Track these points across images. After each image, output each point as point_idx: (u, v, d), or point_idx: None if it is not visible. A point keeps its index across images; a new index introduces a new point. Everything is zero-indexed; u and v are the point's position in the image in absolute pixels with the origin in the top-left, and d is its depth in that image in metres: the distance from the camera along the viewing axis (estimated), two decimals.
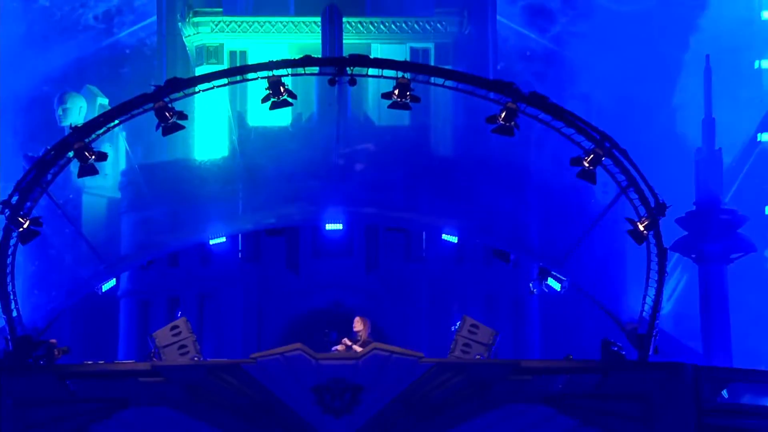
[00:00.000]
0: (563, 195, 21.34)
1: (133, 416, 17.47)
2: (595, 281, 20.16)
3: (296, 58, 18.59)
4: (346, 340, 18.41)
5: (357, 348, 18.17)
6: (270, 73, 18.22)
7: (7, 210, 17.78)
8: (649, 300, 18.52)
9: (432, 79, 18.55)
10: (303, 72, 18.46)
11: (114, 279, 21.60)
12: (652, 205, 18.35)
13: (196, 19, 25.73)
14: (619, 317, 19.11)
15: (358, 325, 18.52)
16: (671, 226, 24.48)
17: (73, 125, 18.29)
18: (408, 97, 18.46)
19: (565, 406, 17.67)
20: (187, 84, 18.24)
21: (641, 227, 18.33)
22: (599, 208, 20.08)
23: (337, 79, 18.41)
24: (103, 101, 24.51)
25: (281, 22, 25.72)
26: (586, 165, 18.38)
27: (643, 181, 18.35)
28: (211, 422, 17.47)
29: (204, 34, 25.87)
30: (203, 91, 18.40)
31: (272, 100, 18.42)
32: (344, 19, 24.53)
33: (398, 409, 17.48)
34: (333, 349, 18.39)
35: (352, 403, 17.30)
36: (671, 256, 19.09)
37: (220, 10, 25.74)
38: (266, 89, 18.42)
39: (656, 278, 18.47)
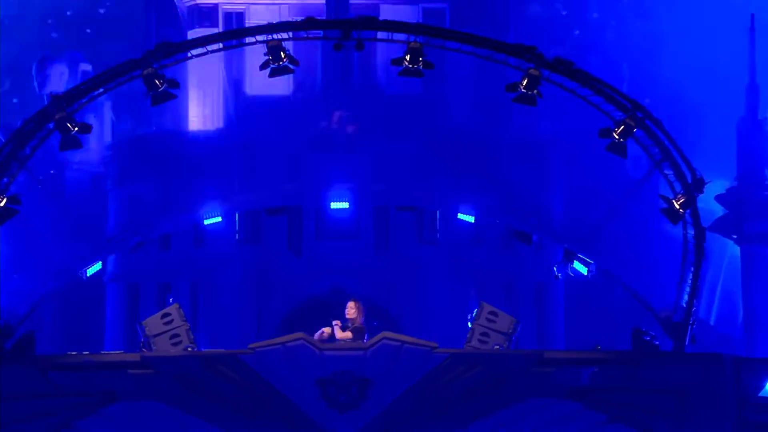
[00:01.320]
0: (591, 170, 21.36)
1: (121, 411, 17.53)
2: (626, 264, 20.17)
3: (298, 20, 18.55)
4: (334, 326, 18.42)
5: (344, 334, 18.19)
6: (269, 37, 18.21)
7: None
8: (685, 285, 18.53)
9: (447, 44, 18.52)
10: (305, 36, 18.43)
11: (100, 262, 21.68)
12: (689, 181, 18.31)
13: None
14: (652, 304, 19.12)
15: (351, 311, 18.54)
16: (710, 203, 24.44)
17: (53, 93, 18.33)
18: (420, 64, 18.43)
19: (592, 401, 17.67)
20: (178, 48, 18.24)
21: (677, 205, 18.31)
22: (630, 184, 20.09)
23: (342, 43, 18.39)
24: (86, 67, 24.55)
25: None
26: (616, 137, 18.35)
27: (679, 155, 18.32)
28: (206, 417, 17.54)
29: None
30: (196, 56, 18.40)
31: (272, 66, 18.40)
32: None
33: (410, 404, 17.52)
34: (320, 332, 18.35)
35: (360, 397, 17.35)
36: (710, 237, 19.02)
37: None
38: (265, 55, 18.42)
39: (693, 261, 18.48)
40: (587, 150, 20.41)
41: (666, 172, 18.40)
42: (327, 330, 18.29)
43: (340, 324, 18.30)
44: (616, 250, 20.40)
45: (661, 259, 20.73)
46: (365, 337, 18.19)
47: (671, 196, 18.41)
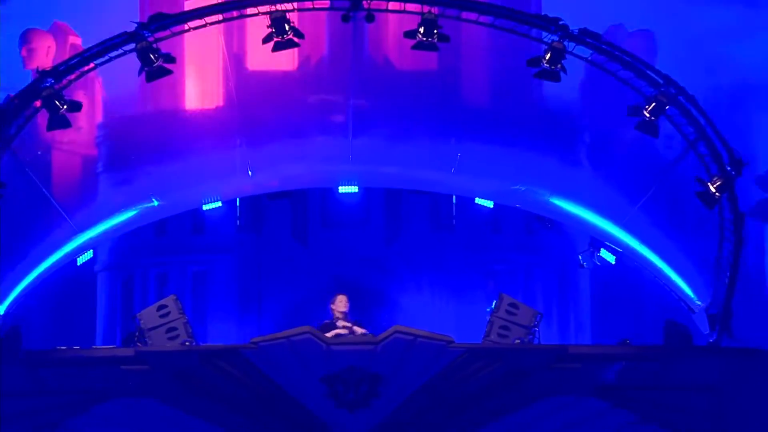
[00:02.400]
0: (619, 151, 21.25)
1: (115, 410, 17.65)
2: (658, 252, 20.10)
3: None
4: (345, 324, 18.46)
5: (359, 329, 18.24)
6: (273, 8, 18.13)
7: None
8: (722, 274, 18.47)
9: (463, 14, 18.45)
10: (311, 6, 18.37)
11: (91, 250, 21.73)
12: (726, 162, 18.34)
13: None
14: (685, 295, 19.08)
15: (345, 305, 18.53)
16: (749, 186, 24.29)
17: (40, 69, 18.29)
18: (435, 36, 18.50)
19: (620, 399, 17.76)
20: (174, 20, 18.23)
21: (713, 188, 18.37)
22: (662, 165, 20.01)
23: (351, 14, 18.36)
24: (75, 41, 24.45)
25: None
26: (647, 115, 18.43)
27: (715, 134, 18.33)
28: (205, 417, 17.64)
29: None
30: (194, 29, 18.39)
31: (275, 40, 18.46)
32: None
33: (424, 402, 17.55)
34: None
35: (370, 395, 17.38)
36: (749, 223, 18.99)
37: None
38: (268, 27, 18.40)
39: (731, 249, 18.42)
40: (616, 129, 20.31)
41: (701, 152, 18.37)
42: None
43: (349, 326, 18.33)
44: (648, 236, 20.30)
45: (696, 247, 20.62)
46: None
47: (707, 179, 18.34)
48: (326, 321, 18.46)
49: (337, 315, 18.54)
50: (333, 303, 18.62)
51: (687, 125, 18.37)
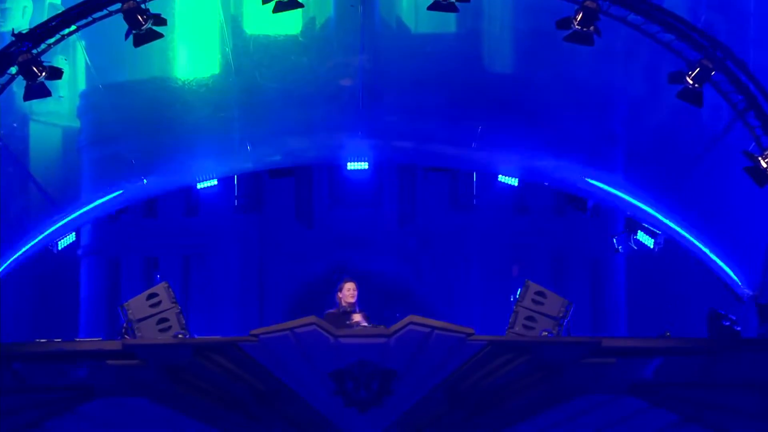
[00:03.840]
0: (659, 122, 21.15)
1: (100, 409, 17.65)
2: (700, 235, 20.02)
3: None
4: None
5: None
6: None
7: None
8: None
9: None
10: None
11: (73, 233, 21.69)
12: None
13: None
14: (732, 282, 18.99)
15: (353, 293, 18.40)
16: None
17: (15, 31, 18.19)
18: None
19: (659, 398, 17.70)
20: None
21: (764, 163, 18.26)
22: (707, 138, 19.90)
23: None
24: (54, 1, 24.44)
25: None
26: (690, 82, 18.31)
27: None
28: (199, 416, 17.67)
29: None
30: None
31: (277, 0, 18.20)
32: None
33: (442, 401, 17.54)
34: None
35: (382, 392, 17.35)
36: None
37: None
38: None
39: None
40: (655, 98, 20.19)
41: (751, 123, 18.23)
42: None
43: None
44: (689, 217, 20.22)
45: (743, 229, 20.51)
46: None
47: (757, 153, 18.27)
48: (331, 311, 18.30)
49: (344, 306, 18.38)
50: (340, 291, 18.45)
51: (735, 93, 18.28)
